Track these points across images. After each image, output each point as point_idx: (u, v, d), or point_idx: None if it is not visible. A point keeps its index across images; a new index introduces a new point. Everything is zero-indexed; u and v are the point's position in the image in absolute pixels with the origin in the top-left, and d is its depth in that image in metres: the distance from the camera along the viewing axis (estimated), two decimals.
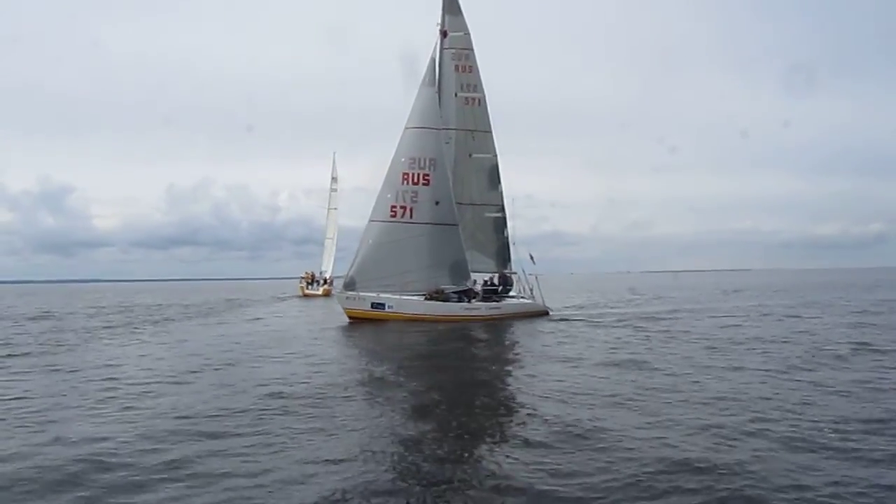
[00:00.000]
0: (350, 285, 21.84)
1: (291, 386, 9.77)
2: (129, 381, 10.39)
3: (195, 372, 11.45)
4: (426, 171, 21.66)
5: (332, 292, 36.48)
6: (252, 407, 8.25)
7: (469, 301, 21.80)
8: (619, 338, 16.16)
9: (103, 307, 36.42)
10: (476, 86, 23.30)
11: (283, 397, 8.84)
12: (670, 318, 21.79)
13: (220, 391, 9.51)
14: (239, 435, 6.96)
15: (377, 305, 21.27)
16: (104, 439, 6.84)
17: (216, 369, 11.76)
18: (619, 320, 21.34)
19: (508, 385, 10.72)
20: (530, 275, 23.41)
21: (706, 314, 23.76)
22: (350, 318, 21.56)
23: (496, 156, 23.64)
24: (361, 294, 21.44)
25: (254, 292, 62.94)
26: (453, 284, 21.73)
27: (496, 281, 23.45)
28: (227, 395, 9.14)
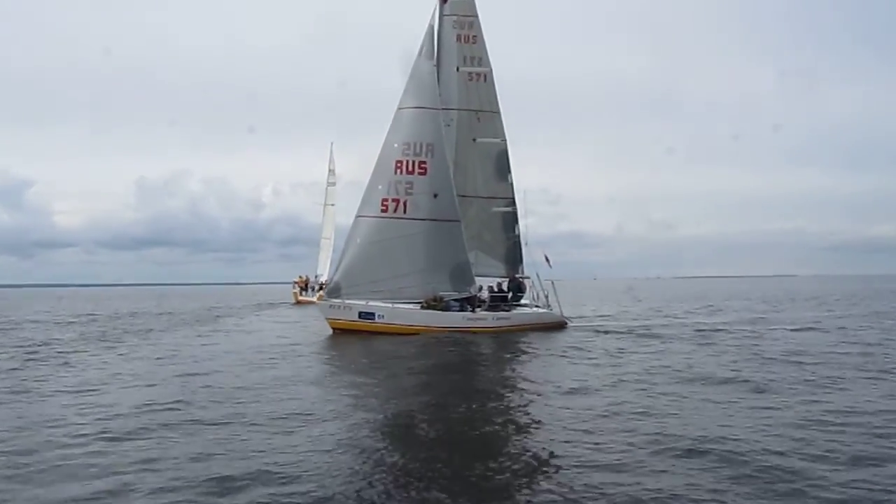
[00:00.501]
0: (335, 291, 20.39)
1: (308, 411, 9.21)
2: (117, 411, 9.29)
3: (194, 394, 10.65)
4: (423, 159, 20.33)
5: None
6: (271, 447, 7.37)
7: (473, 310, 20.38)
8: (689, 354, 15.10)
9: (71, 315, 35.34)
10: (481, 59, 21.83)
11: (304, 423, 8.37)
12: (728, 332, 19.89)
13: (233, 425, 8.45)
14: (266, 472, 6.32)
15: (366, 315, 19.86)
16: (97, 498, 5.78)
17: (220, 392, 10.89)
18: (662, 334, 19.60)
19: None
20: (546, 280, 22.00)
21: (770, 325, 22.09)
22: (334, 329, 20.15)
23: (505, 140, 22.10)
24: (348, 302, 20.00)
25: (241, 298, 62.27)
26: (454, 291, 20.35)
27: (505, 287, 22.06)
28: (241, 429, 8.19)
